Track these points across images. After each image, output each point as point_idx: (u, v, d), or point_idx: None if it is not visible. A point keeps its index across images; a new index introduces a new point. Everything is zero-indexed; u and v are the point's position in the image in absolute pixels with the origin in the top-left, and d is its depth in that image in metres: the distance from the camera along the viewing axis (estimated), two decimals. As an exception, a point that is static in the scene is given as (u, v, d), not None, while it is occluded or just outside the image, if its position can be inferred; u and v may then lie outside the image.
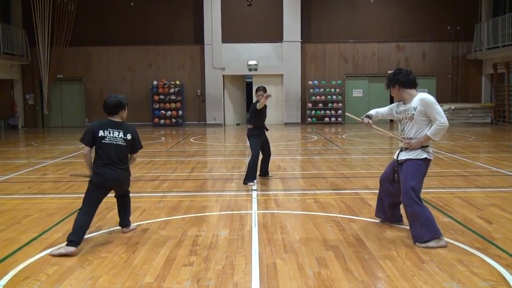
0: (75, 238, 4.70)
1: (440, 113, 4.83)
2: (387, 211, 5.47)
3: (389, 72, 5.55)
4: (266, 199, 7.02)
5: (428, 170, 5.07)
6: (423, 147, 4.95)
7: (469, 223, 5.64)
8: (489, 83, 22.20)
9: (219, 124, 21.90)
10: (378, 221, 5.68)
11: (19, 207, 6.68)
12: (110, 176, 4.96)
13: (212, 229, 5.55)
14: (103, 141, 4.94)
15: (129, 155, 5.18)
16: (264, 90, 8.20)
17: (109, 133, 4.98)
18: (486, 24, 20.96)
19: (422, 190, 5.01)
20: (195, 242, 5.07)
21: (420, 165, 4.93)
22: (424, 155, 4.93)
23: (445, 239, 4.85)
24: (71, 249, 4.65)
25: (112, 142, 4.98)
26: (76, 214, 4.98)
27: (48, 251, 4.80)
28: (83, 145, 5.02)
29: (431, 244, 4.73)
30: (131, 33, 21.91)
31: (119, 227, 5.47)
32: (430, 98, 4.91)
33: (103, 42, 21.87)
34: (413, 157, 4.95)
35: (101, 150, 4.95)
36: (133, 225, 5.54)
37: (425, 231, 4.76)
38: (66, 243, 4.72)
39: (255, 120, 8.28)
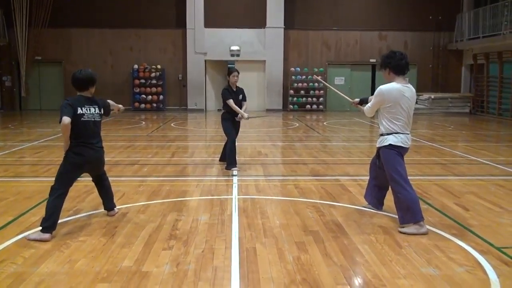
0: (49, 224, 4.58)
1: (371, 104, 5.07)
2: (372, 193, 5.52)
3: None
4: (247, 185, 7.01)
5: (408, 158, 5.11)
6: (388, 134, 4.95)
7: (446, 210, 5.72)
8: (469, 73, 22.46)
9: (200, 109, 21.74)
10: (357, 207, 5.74)
11: (-5, 190, 6.56)
12: (92, 156, 4.86)
13: (192, 213, 5.53)
14: (82, 118, 4.75)
15: None
16: (238, 72, 7.98)
17: (87, 110, 4.82)
18: (468, 14, 21.13)
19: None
20: (175, 226, 5.04)
21: (389, 152, 4.94)
22: (388, 142, 4.93)
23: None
24: (46, 236, 4.55)
25: (90, 119, 4.84)
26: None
27: (25, 234, 4.72)
28: (63, 117, 4.59)
29: (412, 230, 4.80)
30: (113, 15, 21.47)
31: (98, 211, 5.41)
32: (378, 89, 5.00)
33: (83, 24, 21.38)
34: (381, 145, 5.02)
35: (81, 128, 4.74)
36: (116, 208, 5.47)
37: (410, 216, 4.83)
38: (40, 228, 4.62)
39: (227, 107, 8.02)
